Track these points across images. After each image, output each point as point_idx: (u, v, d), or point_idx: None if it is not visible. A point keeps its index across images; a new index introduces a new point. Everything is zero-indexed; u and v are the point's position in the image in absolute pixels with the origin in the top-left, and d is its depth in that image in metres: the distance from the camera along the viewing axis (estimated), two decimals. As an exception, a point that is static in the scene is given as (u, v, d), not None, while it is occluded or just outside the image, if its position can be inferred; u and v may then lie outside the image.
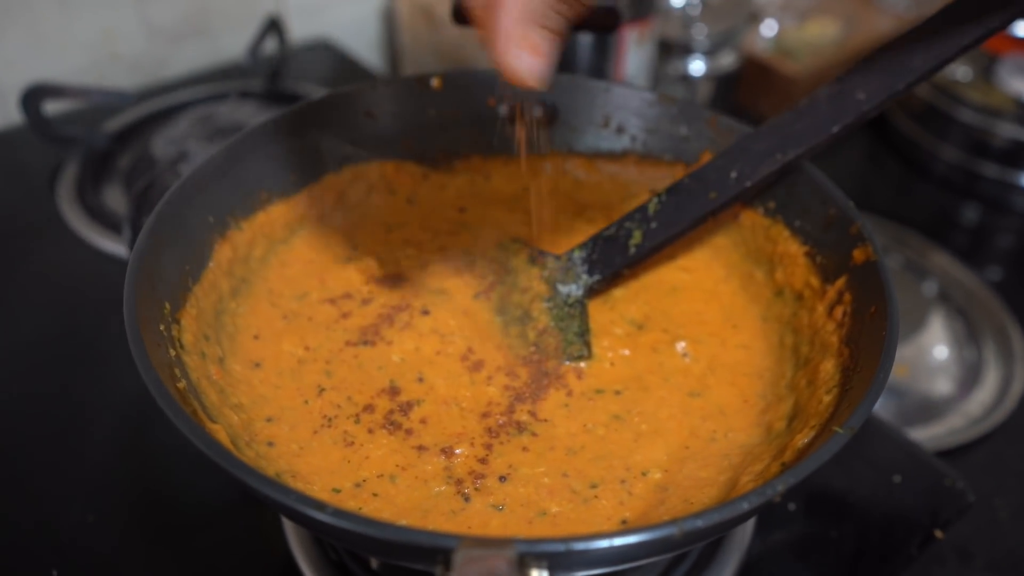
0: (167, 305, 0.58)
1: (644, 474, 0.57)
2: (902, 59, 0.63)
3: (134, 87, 1.31)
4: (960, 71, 1.40)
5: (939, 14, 0.61)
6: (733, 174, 0.67)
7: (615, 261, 0.69)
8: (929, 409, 1.01)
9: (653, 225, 0.69)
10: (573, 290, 0.69)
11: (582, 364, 0.65)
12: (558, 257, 0.70)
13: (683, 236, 0.69)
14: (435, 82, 0.76)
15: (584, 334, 0.66)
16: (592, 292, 0.70)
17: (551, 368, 0.64)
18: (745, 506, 0.44)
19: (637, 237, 0.69)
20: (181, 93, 1.27)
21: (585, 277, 0.69)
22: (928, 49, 0.62)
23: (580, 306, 0.68)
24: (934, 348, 1.09)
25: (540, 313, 0.68)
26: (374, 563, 0.66)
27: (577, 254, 0.70)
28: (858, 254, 0.62)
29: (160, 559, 0.70)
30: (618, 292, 0.72)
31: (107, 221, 1.04)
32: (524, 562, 0.40)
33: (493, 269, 0.72)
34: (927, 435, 0.96)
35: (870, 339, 0.56)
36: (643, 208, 0.69)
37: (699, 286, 0.72)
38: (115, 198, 1.09)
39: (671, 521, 0.42)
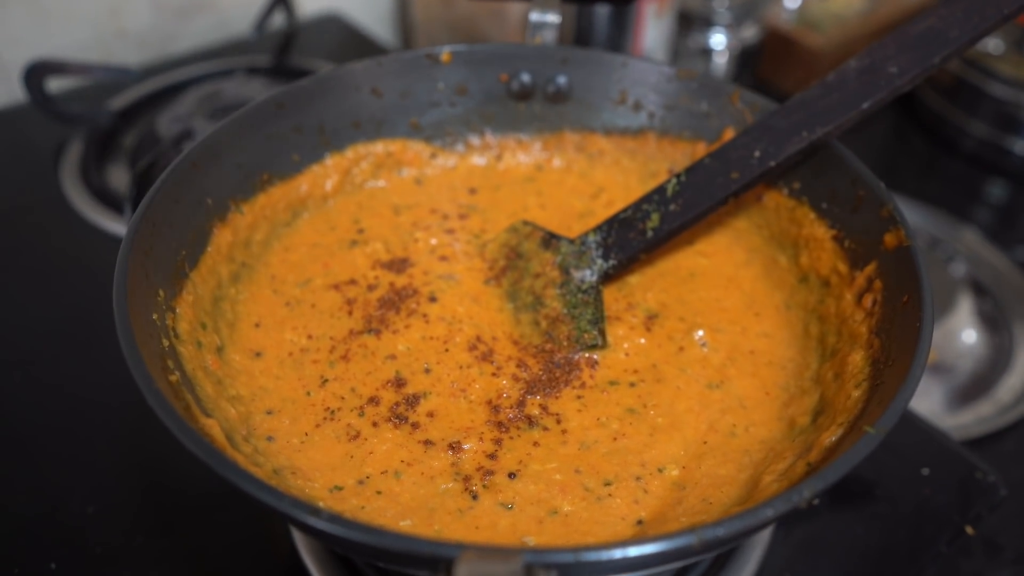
0: (161, 293, 0.55)
1: (660, 471, 0.55)
2: (937, 30, 0.59)
3: (140, 63, 1.29)
4: (991, 43, 1.35)
5: None
6: (756, 153, 0.64)
7: (631, 245, 0.66)
8: (958, 396, 0.97)
9: (672, 207, 0.65)
10: (587, 275, 0.66)
11: (595, 355, 0.62)
12: (572, 241, 0.67)
13: (703, 218, 0.66)
14: (444, 57, 0.73)
15: (598, 321, 0.63)
16: (607, 277, 0.67)
17: (563, 358, 0.62)
18: (770, 513, 0.41)
19: (655, 220, 0.65)
20: (187, 69, 1.24)
21: (600, 262, 0.66)
22: (966, 19, 0.58)
23: (594, 292, 0.65)
24: (962, 332, 1.05)
25: (552, 299, 0.65)
26: (381, 558, 0.65)
27: (592, 238, 0.67)
28: (889, 239, 0.58)
29: (161, 552, 0.68)
30: (633, 279, 0.69)
31: (111, 201, 1.02)
32: (531, 572, 0.38)
33: (504, 253, 0.69)
34: (955, 423, 0.93)
35: (902, 330, 0.53)
36: (661, 189, 0.66)
37: (718, 272, 0.69)
38: (119, 177, 1.07)
39: (689, 530, 0.40)
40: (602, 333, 0.63)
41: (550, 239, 0.68)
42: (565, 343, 0.62)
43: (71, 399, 0.80)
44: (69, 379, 0.82)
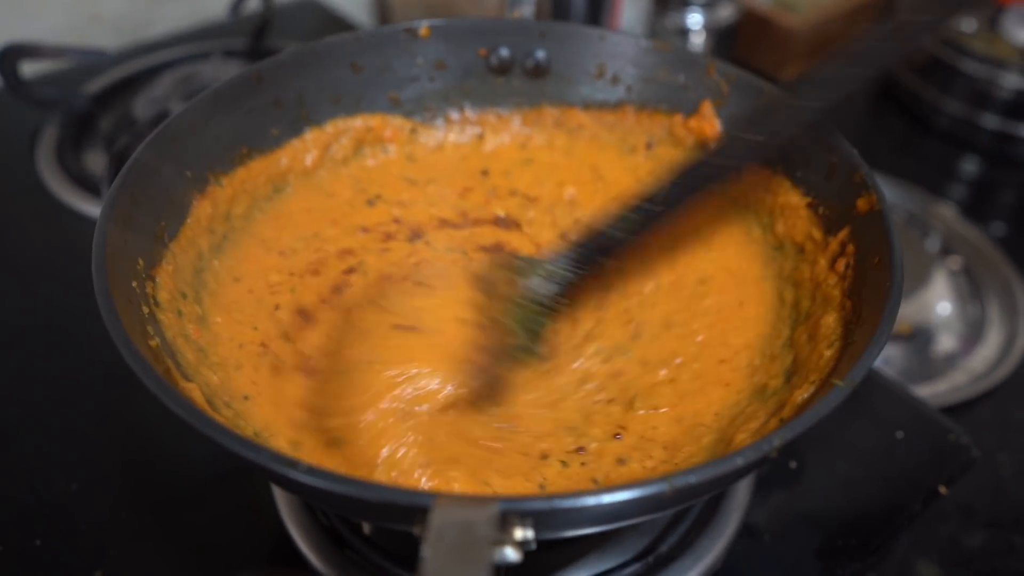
0: (141, 261, 0.55)
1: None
2: None
3: (115, 49, 1.28)
4: (965, 23, 1.37)
5: None
6: (752, 136, 0.59)
7: (592, 247, 0.61)
8: (932, 366, 0.99)
9: (653, 203, 0.60)
10: (537, 285, 0.61)
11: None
12: (536, 259, 0.63)
13: (687, 210, 0.60)
14: (423, 31, 0.73)
15: (532, 324, 0.59)
16: (569, 283, 0.61)
17: None
18: (739, 461, 0.42)
19: (632, 221, 0.60)
20: (163, 53, 1.23)
21: (564, 270, 0.61)
22: None
23: (541, 298, 0.60)
24: (937, 304, 1.07)
25: (504, 315, 0.60)
26: (366, 528, 0.65)
27: (565, 251, 0.62)
28: (862, 203, 0.59)
29: (147, 527, 0.68)
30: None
31: (89, 185, 1.01)
32: (506, 520, 0.39)
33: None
34: (930, 392, 0.94)
35: (873, 291, 0.54)
36: (649, 195, 0.61)
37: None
38: (96, 161, 1.06)
39: (661, 478, 0.40)
40: (534, 336, 0.59)
41: (518, 260, 0.63)
42: (496, 350, 0.58)
43: (52, 380, 0.80)
44: (50, 360, 0.82)
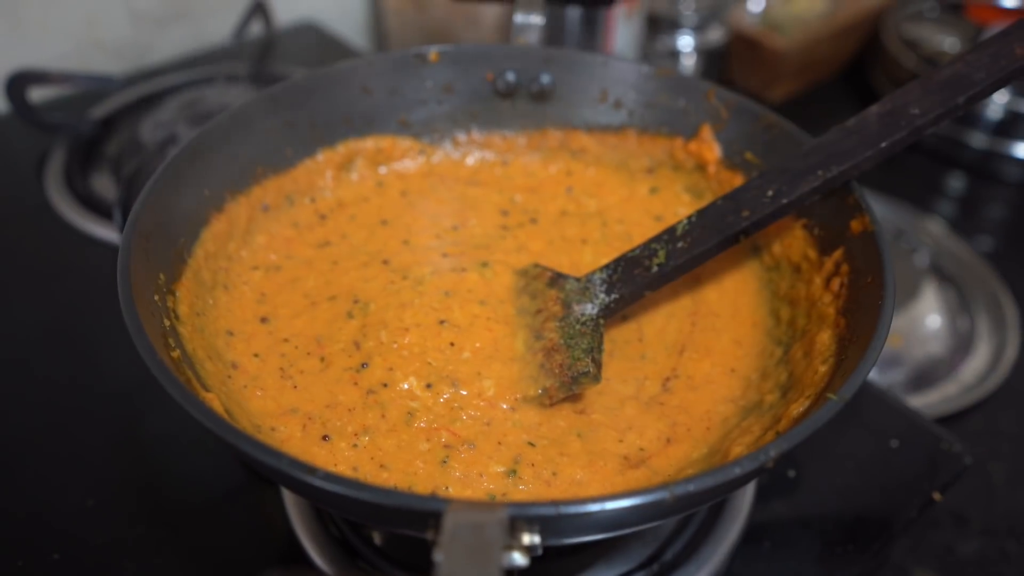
0: (162, 276, 0.57)
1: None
2: (963, 74, 0.60)
3: (118, 73, 1.30)
4: (947, 41, 1.40)
5: (1003, 32, 0.59)
6: (769, 192, 0.63)
7: (635, 280, 0.65)
8: (923, 377, 1.02)
9: (679, 244, 0.65)
10: (588, 309, 0.65)
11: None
12: (578, 279, 0.67)
13: (711, 255, 0.65)
14: (432, 56, 0.76)
15: (592, 351, 0.62)
16: (609, 311, 0.66)
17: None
18: (737, 471, 0.44)
19: (661, 256, 0.65)
20: (167, 78, 1.25)
21: (602, 296, 0.65)
22: (993, 63, 0.59)
23: (593, 324, 0.64)
24: (927, 317, 1.10)
25: (551, 332, 0.64)
26: (377, 538, 0.67)
27: (598, 275, 0.66)
28: (855, 224, 0.61)
29: (162, 542, 0.70)
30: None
31: (97, 207, 1.03)
32: (515, 526, 0.41)
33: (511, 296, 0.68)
34: (922, 403, 0.97)
35: (866, 309, 0.56)
36: (671, 228, 0.66)
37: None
38: (104, 184, 1.08)
39: (663, 485, 0.42)
40: (596, 363, 0.61)
41: (556, 278, 0.67)
42: (557, 371, 0.61)
43: (66, 398, 0.82)
44: (64, 379, 0.84)
